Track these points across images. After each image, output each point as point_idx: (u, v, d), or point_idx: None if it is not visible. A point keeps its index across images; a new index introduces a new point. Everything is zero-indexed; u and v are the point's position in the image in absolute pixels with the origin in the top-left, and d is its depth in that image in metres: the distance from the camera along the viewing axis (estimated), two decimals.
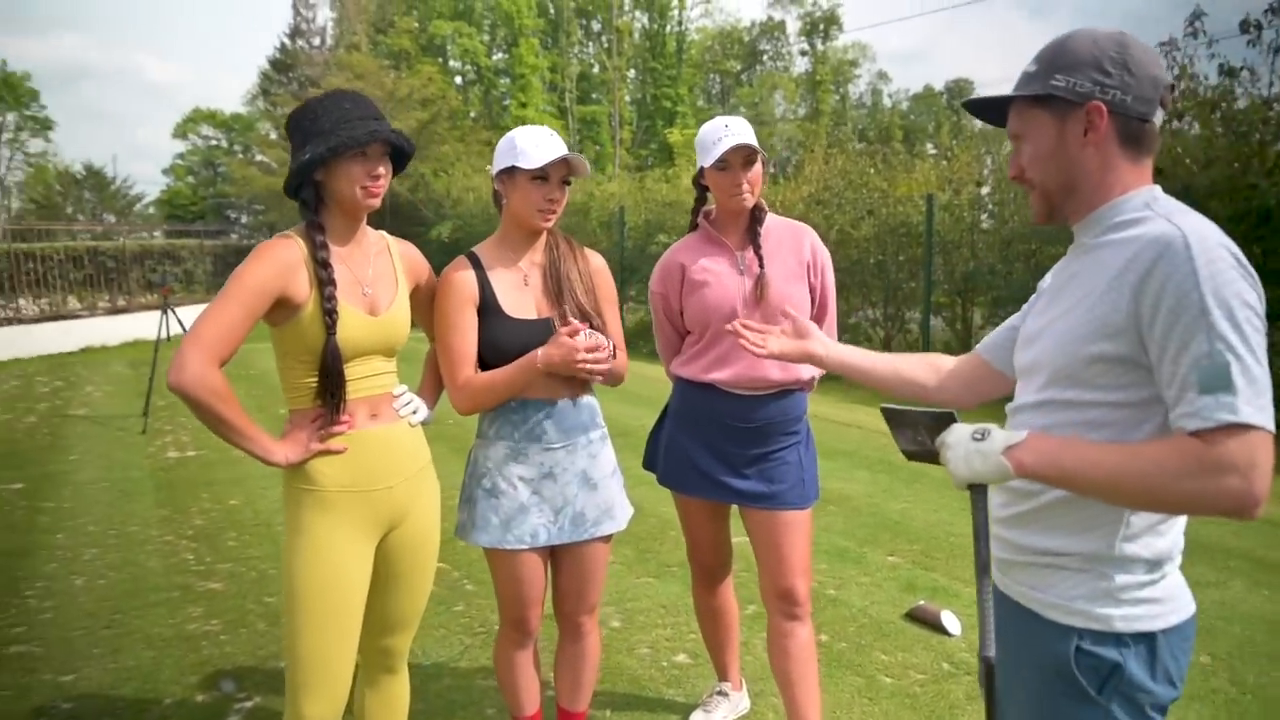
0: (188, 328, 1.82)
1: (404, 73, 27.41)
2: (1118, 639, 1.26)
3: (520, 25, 39.98)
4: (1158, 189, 1.30)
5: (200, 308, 1.78)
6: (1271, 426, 1.10)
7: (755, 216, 2.42)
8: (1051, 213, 1.36)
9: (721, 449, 2.42)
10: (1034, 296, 1.48)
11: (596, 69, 44.32)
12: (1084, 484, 1.18)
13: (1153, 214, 1.25)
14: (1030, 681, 1.35)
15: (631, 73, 45.06)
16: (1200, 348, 1.12)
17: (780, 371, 2.36)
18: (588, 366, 2.06)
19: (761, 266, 2.36)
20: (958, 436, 1.25)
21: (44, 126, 44.12)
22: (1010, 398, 1.46)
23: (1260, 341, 1.13)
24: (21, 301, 14.41)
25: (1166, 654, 1.27)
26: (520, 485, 2.17)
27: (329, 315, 1.83)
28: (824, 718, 2.59)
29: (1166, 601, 1.28)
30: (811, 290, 2.44)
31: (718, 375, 2.39)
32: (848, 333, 10.94)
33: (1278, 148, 6.82)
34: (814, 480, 2.48)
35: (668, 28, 45.23)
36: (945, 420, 1.29)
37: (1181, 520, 1.31)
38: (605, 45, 44.27)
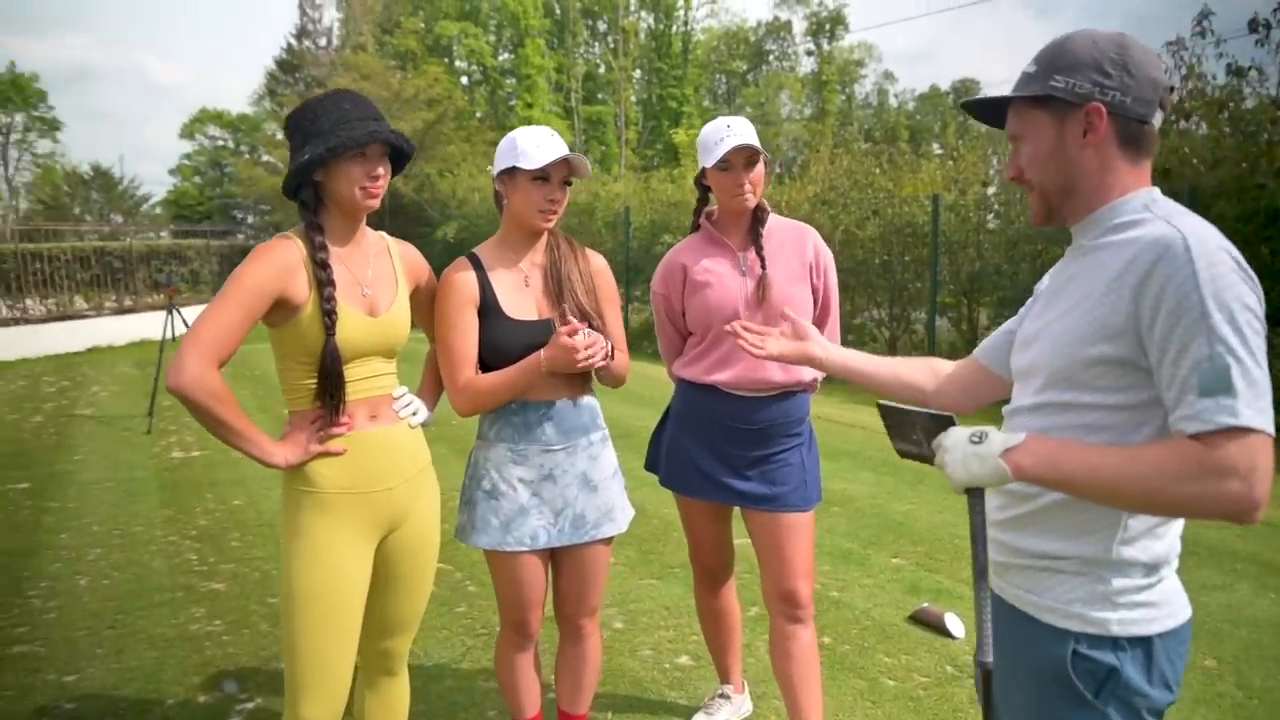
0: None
1: (410, 73, 27.43)
2: (1114, 643, 1.26)
3: (526, 25, 40.00)
4: (1156, 191, 1.30)
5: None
6: (1272, 430, 1.10)
7: (757, 217, 2.41)
8: (1050, 214, 1.35)
9: (723, 450, 2.41)
10: (1031, 299, 1.47)
11: (602, 69, 44.33)
12: (1083, 487, 1.17)
13: (1152, 216, 1.24)
14: (1027, 685, 1.34)
15: (637, 73, 45.06)
16: (1200, 350, 1.11)
17: (782, 373, 2.35)
18: (590, 361, 2.06)
19: (764, 267, 2.35)
20: (955, 440, 1.24)
21: (52, 127, 44.35)
22: (1009, 401, 1.45)
23: (1260, 344, 1.12)
24: (29, 302, 14.47)
25: (1163, 658, 1.27)
26: (520, 487, 2.17)
27: (328, 316, 1.83)
28: None
29: (1163, 605, 1.28)
30: (814, 291, 2.42)
31: (720, 376, 2.38)
32: (852, 333, 10.92)
33: None
34: (816, 482, 2.47)
35: (673, 28, 45.21)
36: (943, 423, 1.27)
37: (1179, 524, 1.31)
38: (611, 45, 44.27)
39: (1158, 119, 1.28)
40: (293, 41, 32.96)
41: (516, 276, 2.18)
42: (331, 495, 1.90)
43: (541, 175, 2.09)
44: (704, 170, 2.36)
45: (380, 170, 1.86)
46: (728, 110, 44.59)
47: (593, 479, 2.22)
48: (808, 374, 2.39)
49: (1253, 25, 7.26)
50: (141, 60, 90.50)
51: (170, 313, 7.83)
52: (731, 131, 2.26)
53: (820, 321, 2.47)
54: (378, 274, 1.98)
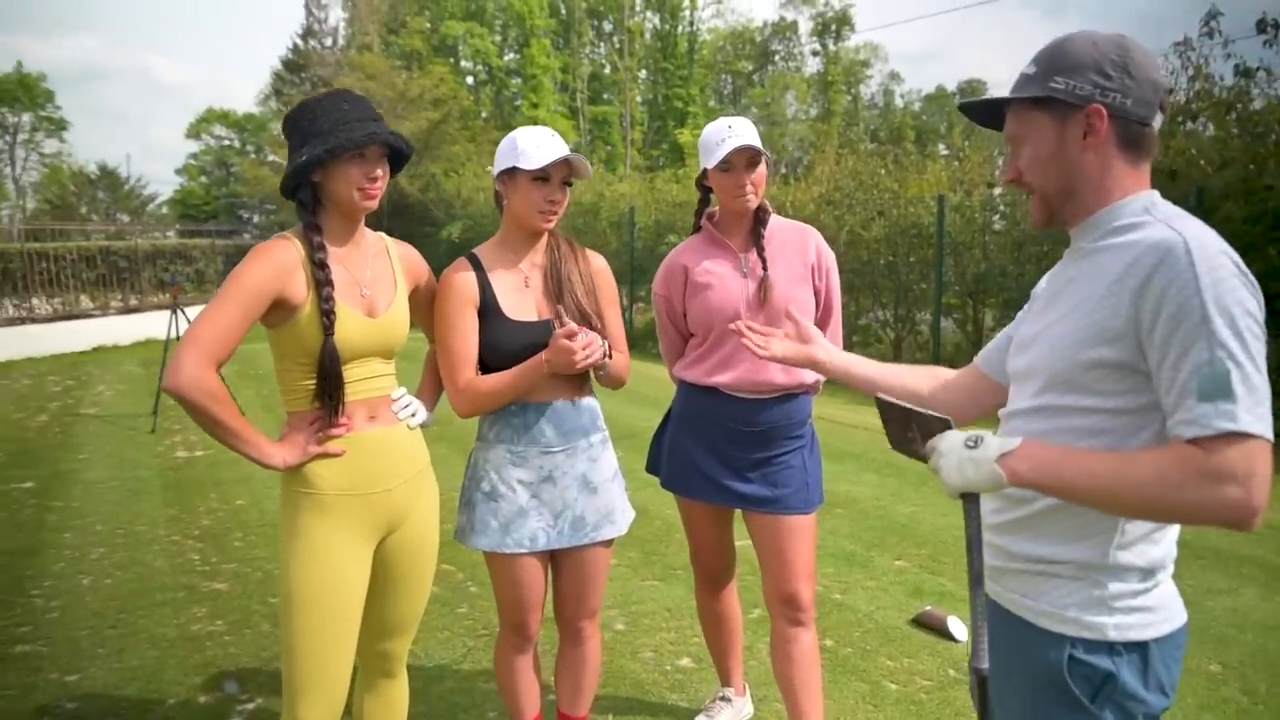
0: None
1: (416, 73, 27.48)
2: (1110, 648, 1.25)
3: (532, 26, 40.02)
4: (1156, 194, 1.29)
5: None
6: (1271, 435, 1.09)
7: (759, 218, 2.40)
8: (1051, 217, 1.34)
9: (725, 452, 2.40)
10: (1029, 301, 1.46)
11: (608, 69, 44.33)
12: (1080, 493, 1.16)
13: (1152, 219, 1.23)
14: (1022, 690, 1.33)
15: (643, 73, 45.05)
16: (1201, 355, 1.10)
17: (784, 375, 2.34)
18: (589, 361, 2.05)
19: (765, 269, 2.34)
20: (950, 444, 1.23)
21: (59, 127, 44.55)
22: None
23: (1260, 350, 1.12)
24: (35, 301, 14.52)
25: (1159, 663, 1.26)
26: (519, 489, 2.16)
27: (327, 316, 1.82)
28: None
29: (1159, 610, 1.27)
30: (816, 293, 2.41)
31: (721, 378, 2.36)
32: (857, 334, 10.90)
33: None
34: (818, 484, 2.46)
35: (679, 28, 45.19)
36: (939, 424, 1.26)
37: (1175, 529, 1.30)
38: (617, 46, 44.27)
39: (1157, 121, 1.27)
40: (299, 41, 33.04)
41: (516, 277, 2.18)
42: (330, 496, 1.89)
43: (542, 175, 2.08)
44: (705, 171, 2.35)
45: (379, 171, 1.86)
46: (733, 110, 44.56)
47: (592, 481, 2.21)
48: (810, 376, 2.38)
49: (1261, 26, 7.23)
50: (148, 60, 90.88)
51: (175, 312, 7.84)
52: (733, 132, 2.25)
53: (822, 323, 2.45)
54: (376, 274, 1.98)
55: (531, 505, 2.16)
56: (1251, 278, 1.15)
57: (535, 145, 2.06)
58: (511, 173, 2.10)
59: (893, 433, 1.37)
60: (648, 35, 44.55)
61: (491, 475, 2.17)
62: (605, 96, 43.56)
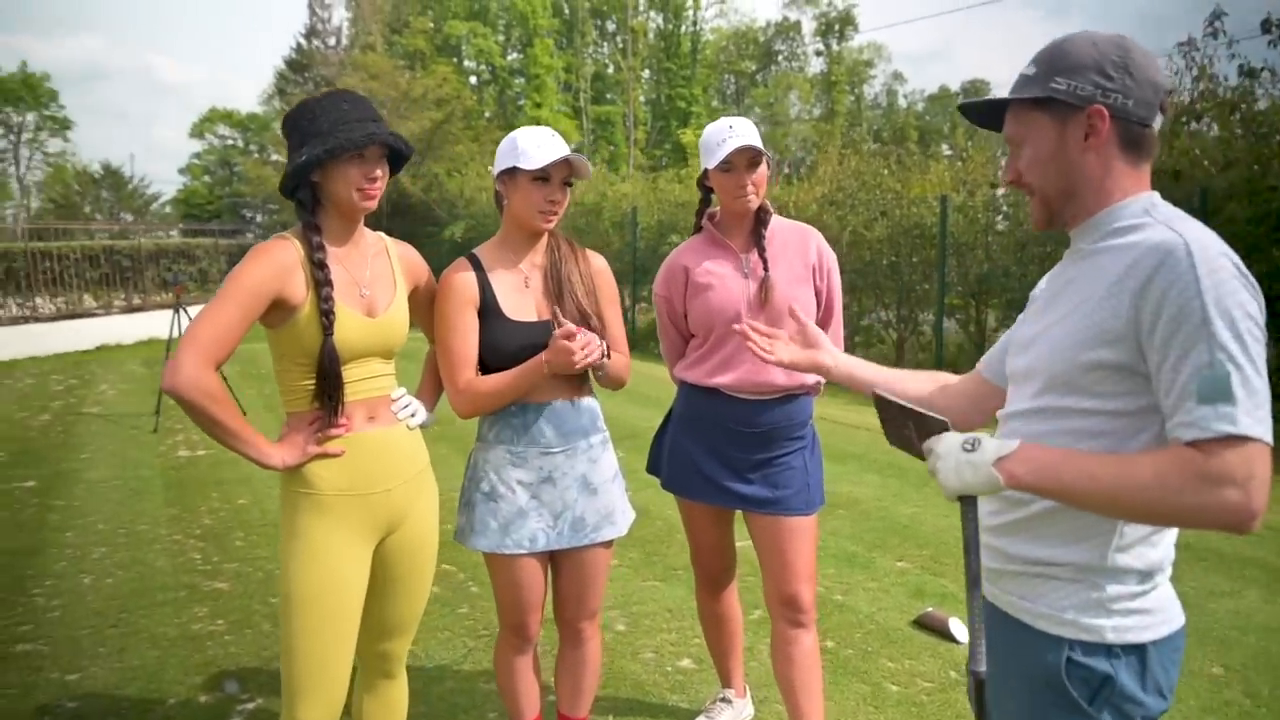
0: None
1: (419, 73, 27.50)
2: (1108, 650, 1.25)
3: (535, 25, 40.04)
4: (1156, 195, 1.28)
5: None
6: (1270, 439, 1.09)
7: (760, 218, 2.39)
8: (1052, 218, 1.33)
9: (726, 454, 2.39)
10: (1029, 303, 1.45)
11: (611, 69, 44.34)
12: (1078, 497, 1.16)
13: (1153, 220, 1.23)
14: (1020, 692, 1.33)
15: (646, 73, 45.05)
16: (1201, 357, 1.10)
17: (785, 376, 2.33)
18: (588, 360, 2.05)
19: (766, 269, 2.33)
20: (948, 446, 1.22)
21: (63, 126, 44.64)
22: None
23: (1260, 352, 1.11)
24: (38, 300, 14.54)
25: (1157, 665, 1.26)
26: (519, 489, 2.15)
27: (326, 317, 1.82)
28: None
29: (1157, 612, 1.27)
30: (817, 293, 2.40)
31: (722, 379, 2.36)
32: (860, 334, 10.89)
33: None
34: (819, 486, 2.45)
35: (682, 28, 45.19)
36: (937, 426, 1.26)
37: (1174, 531, 1.30)
38: (620, 45, 44.28)
39: (1158, 122, 1.27)
40: (302, 41, 33.08)
41: (516, 277, 2.17)
42: (329, 497, 1.89)
43: (542, 175, 2.08)
44: (706, 171, 2.34)
45: (378, 172, 1.86)
46: (736, 110, 44.55)
47: (592, 481, 2.21)
48: (811, 377, 2.37)
49: (1265, 26, 7.21)
50: (152, 60, 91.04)
51: (177, 311, 7.85)
52: (734, 132, 2.24)
53: (823, 323, 2.45)
54: (376, 274, 1.97)
55: (531, 506, 2.16)
56: (1252, 280, 1.15)
57: (536, 145, 2.06)
58: (512, 173, 2.10)
59: (890, 429, 1.37)
60: (651, 35, 44.55)
61: (491, 476, 2.17)
62: (608, 96, 43.57)
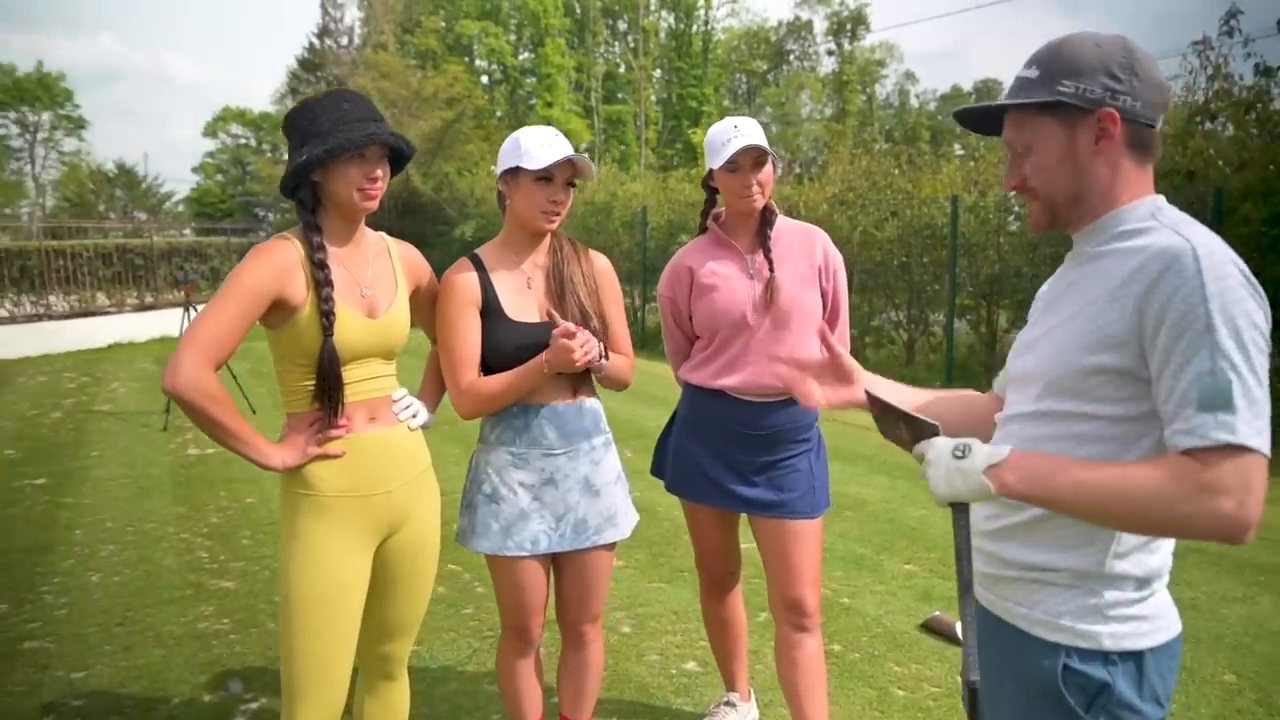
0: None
1: (430, 72, 27.58)
2: (1105, 657, 1.23)
3: (546, 25, 40.10)
4: (1161, 199, 1.26)
5: None
6: (1268, 450, 1.07)
7: (765, 219, 2.37)
8: (1054, 222, 1.31)
9: (730, 456, 2.37)
10: (1033, 306, 1.43)
11: (622, 69, 44.36)
12: (1069, 506, 1.14)
13: (1158, 224, 1.20)
14: (1016, 698, 1.31)
15: (657, 72, 45.04)
16: (1203, 364, 1.08)
17: None
18: (588, 358, 2.03)
19: (772, 270, 2.31)
20: (938, 452, 1.20)
21: (78, 126, 45.03)
22: None
23: (1263, 363, 1.09)
24: (52, 298, 14.64)
25: (1154, 673, 1.24)
26: (521, 491, 2.14)
27: (326, 317, 1.81)
28: None
29: (1154, 619, 1.25)
30: (823, 294, 2.38)
31: (727, 381, 2.34)
32: (870, 335, 10.84)
33: None
34: (824, 489, 2.43)
35: (694, 27, 45.16)
36: (927, 431, 1.24)
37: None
38: (631, 45, 44.28)
39: (1160, 123, 1.25)
40: (315, 40, 33.22)
41: (519, 278, 2.16)
42: (330, 498, 1.88)
43: (545, 176, 2.06)
44: (711, 172, 2.32)
45: (379, 172, 1.84)
46: (748, 110, 44.48)
47: (595, 484, 2.19)
48: None
49: None
50: (166, 59, 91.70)
51: (187, 310, 7.89)
52: (739, 132, 2.22)
53: (829, 324, 2.42)
54: (377, 275, 1.96)
55: (533, 508, 2.14)
56: (1259, 289, 1.13)
57: (539, 145, 2.05)
58: (514, 172, 2.09)
59: (885, 429, 1.36)
60: (662, 34, 44.55)
61: (493, 477, 2.15)
62: (620, 96, 43.59)
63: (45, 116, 44.01)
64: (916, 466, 1.26)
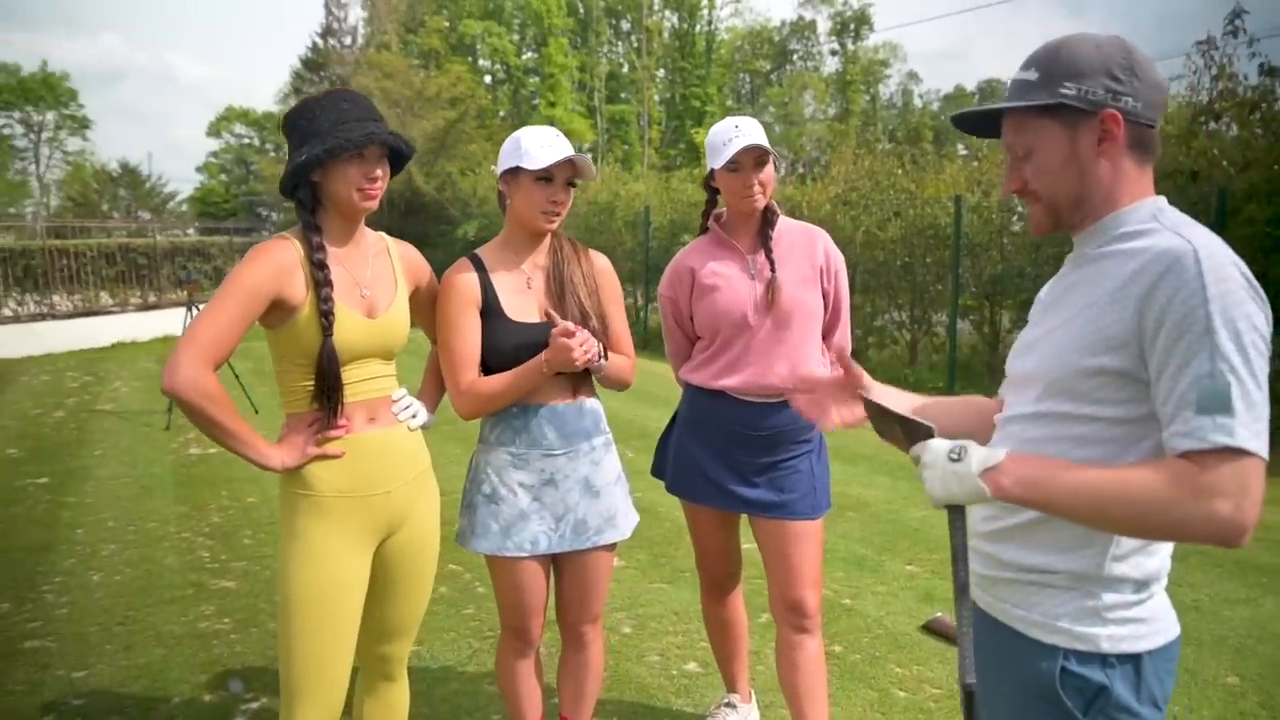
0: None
1: (433, 72, 27.61)
2: (1103, 660, 1.23)
3: (550, 25, 40.12)
4: (1163, 200, 1.25)
5: None
6: (1266, 454, 1.07)
7: (767, 219, 2.36)
8: (1056, 225, 1.30)
9: (731, 457, 2.36)
10: (1033, 308, 1.42)
11: (626, 68, 44.37)
12: (1065, 510, 1.14)
13: (1160, 226, 1.20)
14: (1013, 699, 1.30)
15: (661, 72, 45.06)
16: (1202, 366, 1.07)
17: (793, 379, 2.30)
18: (588, 356, 2.03)
19: (773, 270, 2.31)
20: (934, 455, 1.20)
21: (82, 125, 45.13)
22: None
23: (1263, 366, 1.09)
24: (56, 297, 14.66)
25: (1152, 676, 1.23)
26: (520, 491, 2.13)
27: (325, 317, 1.81)
28: None
29: (1153, 622, 1.25)
30: (824, 295, 2.37)
31: (728, 382, 2.33)
32: (873, 335, 10.82)
33: None
34: (825, 490, 2.42)
35: (697, 27, 45.17)
36: (922, 433, 1.23)
37: None
38: (634, 45, 44.29)
39: (1159, 122, 1.24)
40: (318, 40, 33.28)
41: (519, 278, 2.15)
42: (329, 499, 1.88)
43: (545, 176, 2.06)
44: (712, 171, 2.32)
45: (378, 172, 1.84)
46: (751, 110, 44.47)
47: (595, 484, 2.19)
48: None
49: None
50: (169, 59, 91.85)
51: (190, 309, 7.90)
52: (740, 132, 2.21)
53: (830, 326, 2.42)
54: (376, 275, 1.96)
55: (533, 508, 2.14)
56: (1261, 292, 1.12)
57: (539, 145, 2.04)
58: (515, 172, 2.08)
59: (881, 431, 1.36)
60: (666, 34, 44.54)
61: (492, 478, 2.15)
62: (623, 95, 43.61)
63: (50, 116, 44.12)
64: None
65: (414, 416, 2.02)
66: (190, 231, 24.72)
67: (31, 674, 3.17)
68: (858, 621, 3.56)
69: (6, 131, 43.29)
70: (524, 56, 41.77)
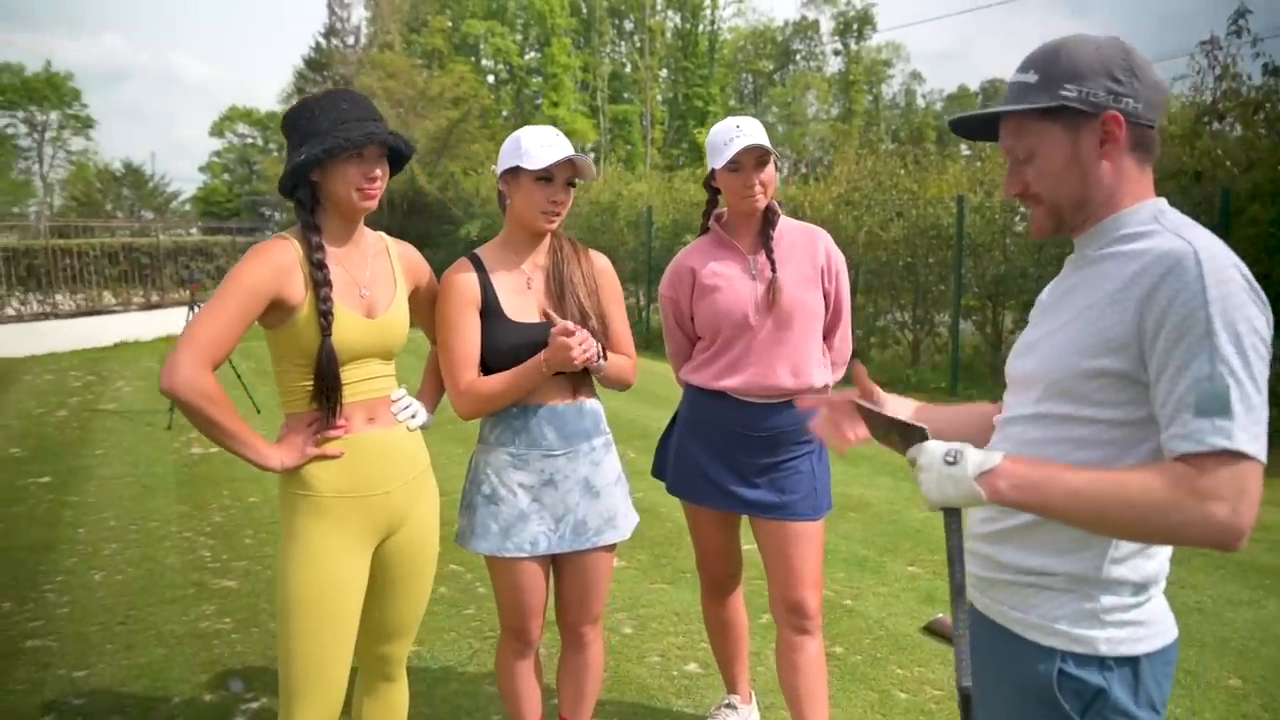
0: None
1: (436, 71, 27.63)
2: (1101, 663, 1.22)
3: (553, 25, 40.14)
4: (1163, 201, 1.25)
5: None
6: (1264, 458, 1.06)
7: (768, 219, 2.35)
8: (1059, 228, 1.29)
9: (731, 458, 2.36)
10: (1033, 310, 1.41)
11: (629, 68, 44.37)
12: (1062, 513, 1.13)
13: (1161, 228, 1.19)
14: (1010, 701, 1.30)
15: (664, 72, 45.06)
16: (1202, 369, 1.07)
17: (793, 379, 2.30)
18: (587, 355, 2.02)
19: (774, 271, 2.30)
20: (930, 458, 1.19)
21: (85, 125, 45.22)
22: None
23: (1263, 370, 1.08)
24: (59, 297, 14.68)
25: (1150, 679, 1.23)
26: (520, 492, 2.13)
27: (324, 317, 1.80)
28: None
29: (1151, 625, 1.24)
30: (825, 295, 2.37)
31: (729, 382, 2.33)
32: (876, 335, 10.81)
33: None
34: (826, 490, 2.42)
35: (700, 27, 45.16)
36: (916, 436, 1.23)
37: None
38: (637, 45, 44.29)
39: (1158, 122, 1.24)
40: (321, 40, 33.30)
41: (518, 278, 2.15)
42: (328, 499, 1.87)
43: (545, 176, 2.05)
44: (713, 171, 2.31)
45: (377, 172, 1.84)
46: (754, 110, 44.45)
47: (595, 485, 2.18)
48: (819, 380, 2.34)
49: None
50: (173, 59, 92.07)
51: (192, 309, 7.91)
52: (741, 132, 2.21)
53: (830, 327, 2.41)
54: (376, 274, 1.95)
55: (532, 509, 2.13)
56: (1262, 294, 1.12)
57: (539, 145, 2.04)
58: (515, 172, 2.08)
59: (877, 434, 1.37)
60: (668, 34, 44.54)
61: (492, 478, 2.14)
62: (626, 95, 43.60)
63: (53, 116, 44.23)
64: None
65: (413, 417, 2.02)
66: (193, 231, 24.75)
67: (32, 673, 3.17)
68: (859, 623, 3.56)
69: (10, 131, 43.44)
70: (527, 56, 41.79)
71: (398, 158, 1.91)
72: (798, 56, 48.23)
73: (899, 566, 4.18)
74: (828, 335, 2.42)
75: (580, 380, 2.17)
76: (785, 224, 2.37)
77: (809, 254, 2.35)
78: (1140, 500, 1.07)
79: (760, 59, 47.57)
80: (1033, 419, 1.27)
